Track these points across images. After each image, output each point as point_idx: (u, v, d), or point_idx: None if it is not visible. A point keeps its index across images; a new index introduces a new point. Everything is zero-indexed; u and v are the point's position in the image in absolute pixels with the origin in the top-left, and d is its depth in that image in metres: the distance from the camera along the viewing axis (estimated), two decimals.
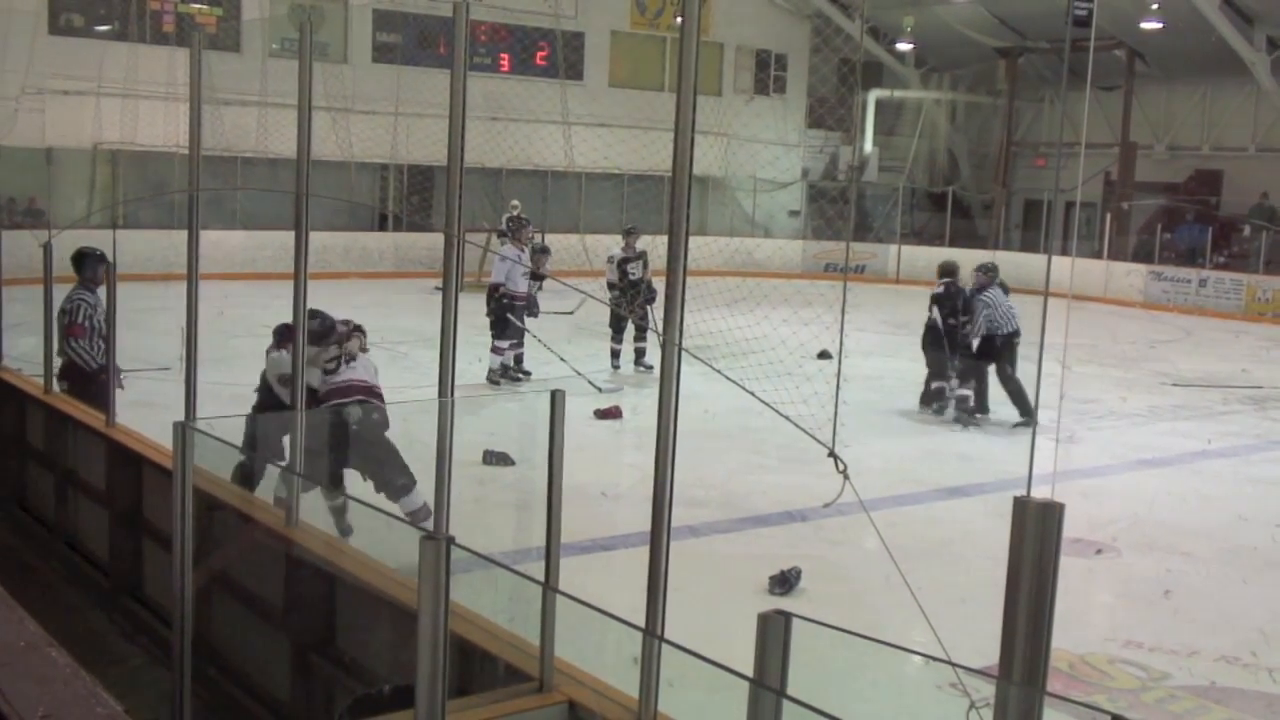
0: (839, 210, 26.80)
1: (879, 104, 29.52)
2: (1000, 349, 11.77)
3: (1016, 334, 11.84)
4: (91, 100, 20.39)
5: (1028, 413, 11.32)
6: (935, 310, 12.08)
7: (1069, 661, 5.96)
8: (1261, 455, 11.16)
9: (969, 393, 11.85)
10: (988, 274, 12.06)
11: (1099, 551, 7.84)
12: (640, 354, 13.83)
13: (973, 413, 11.78)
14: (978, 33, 27.39)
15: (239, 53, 21.86)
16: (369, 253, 23.25)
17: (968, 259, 24.85)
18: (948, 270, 12.35)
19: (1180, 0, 22.42)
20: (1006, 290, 12.10)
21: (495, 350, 12.85)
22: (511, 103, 22.59)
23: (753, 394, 4.40)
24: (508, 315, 12.80)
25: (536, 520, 6.99)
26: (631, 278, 13.76)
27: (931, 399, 12.11)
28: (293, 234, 5.29)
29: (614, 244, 14.55)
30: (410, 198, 24.41)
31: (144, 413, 7.60)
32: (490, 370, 12.81)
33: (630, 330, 13.78)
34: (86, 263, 8.20)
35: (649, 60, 27.17)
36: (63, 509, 7.32)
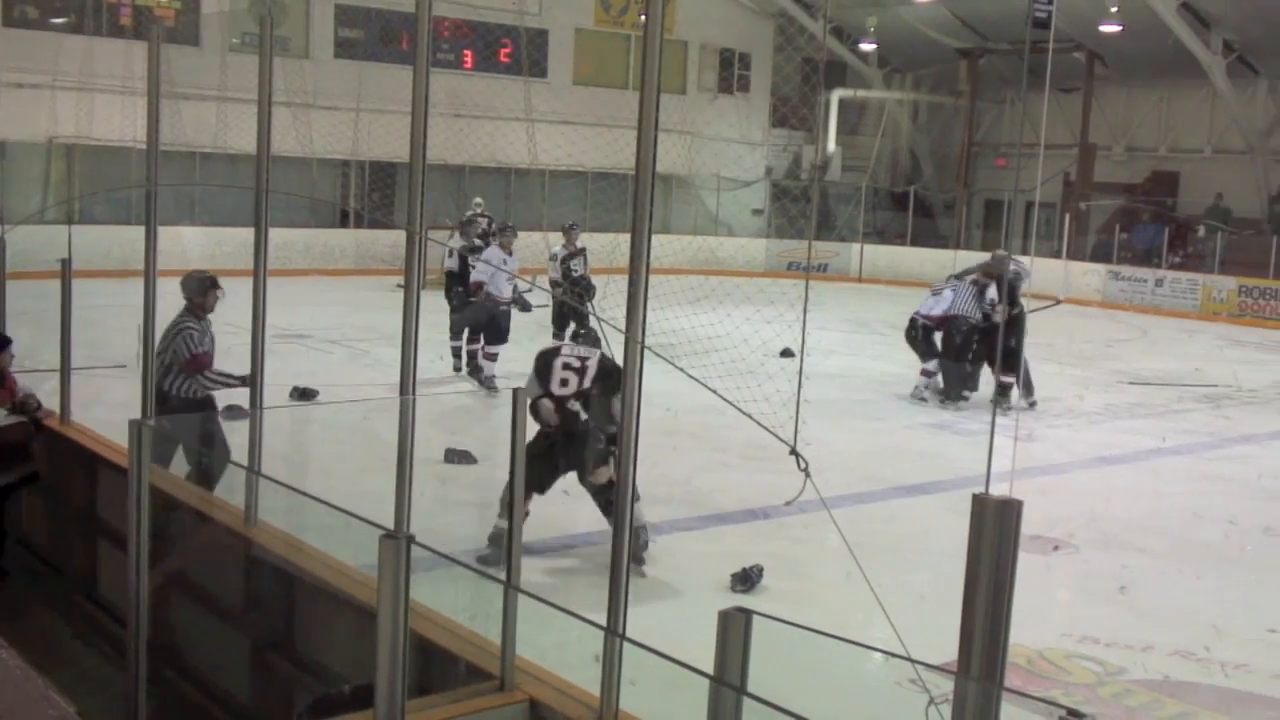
0: (802, 209, 26.86)
1: (842, 103, 29.64)
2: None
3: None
4: (47, 93, 20.09)
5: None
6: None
7: (1027, 657, 6.02)
8: (1215, 453, 11.31)
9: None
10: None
11: (1056, 548, 7.91)
12: None
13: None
14: (940, 33, 27.57)
15: (198, 47, 21.62)
16: (330, 250, 23.08)
17: (930, 258, 25.03)
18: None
19: (1139, 3, 22.67)
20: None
21: (489, 357, 12.34)
22: (474, 99, 22.47)
23: (715, 392, 4.41)
24: (498, 321, 12.34)
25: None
26: (574, 274, 13.70)
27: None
28: (252, 231, 5.25)
29: (556, 241, 14.50)
30: (372, 194, 24.24)
31: (99, 411, 7.52)
32: (487, 378, 12.32)
33: (571, 327, 13.65)
34: (194, 286, 7.24)
35: (613, 58, 27.14)
36: (15, 508, 7.21)
